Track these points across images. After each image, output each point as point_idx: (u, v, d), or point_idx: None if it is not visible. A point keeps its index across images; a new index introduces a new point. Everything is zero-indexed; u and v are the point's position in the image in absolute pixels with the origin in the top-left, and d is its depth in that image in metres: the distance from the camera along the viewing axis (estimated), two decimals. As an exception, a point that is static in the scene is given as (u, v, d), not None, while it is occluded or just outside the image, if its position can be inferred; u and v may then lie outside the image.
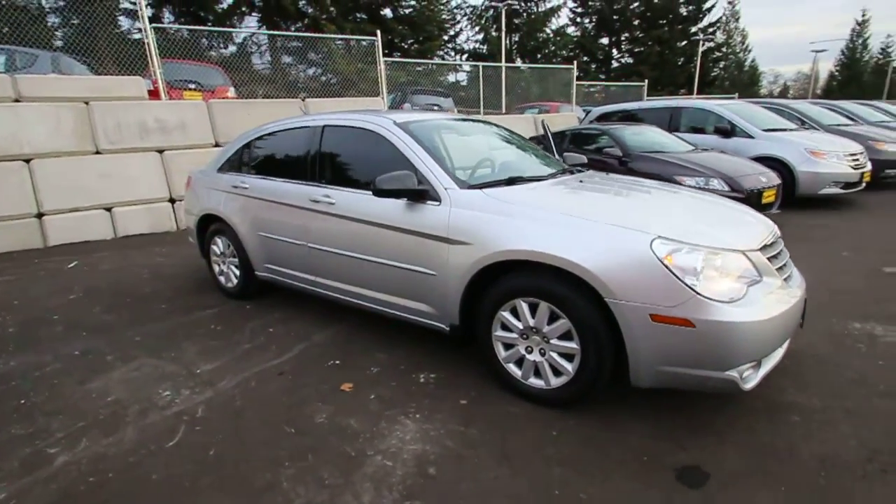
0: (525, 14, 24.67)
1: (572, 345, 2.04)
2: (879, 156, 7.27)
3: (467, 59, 22.69)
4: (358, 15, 20.29)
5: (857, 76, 37.55)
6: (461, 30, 24.80)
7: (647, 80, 15.63)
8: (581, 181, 2.78)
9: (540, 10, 25.06)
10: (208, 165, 3.93)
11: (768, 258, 2.06)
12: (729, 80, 33.36)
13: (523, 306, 2.14)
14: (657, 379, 1.91)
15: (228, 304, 3.67)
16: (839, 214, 6.19)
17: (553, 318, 2.07)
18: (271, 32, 8.46)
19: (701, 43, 28.35)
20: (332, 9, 18.38)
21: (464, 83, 13.73)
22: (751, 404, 2.16)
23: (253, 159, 3.48)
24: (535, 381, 2.21)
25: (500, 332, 2.27)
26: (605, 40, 30.36)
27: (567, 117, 11.34)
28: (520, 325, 2.18)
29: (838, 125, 8.41)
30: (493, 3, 21.10)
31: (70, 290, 4.11)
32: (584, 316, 1.96)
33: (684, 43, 29.86)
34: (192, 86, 7.57)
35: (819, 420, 2.06)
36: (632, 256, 1.87)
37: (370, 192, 2.64)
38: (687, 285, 1.79)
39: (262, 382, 2.52)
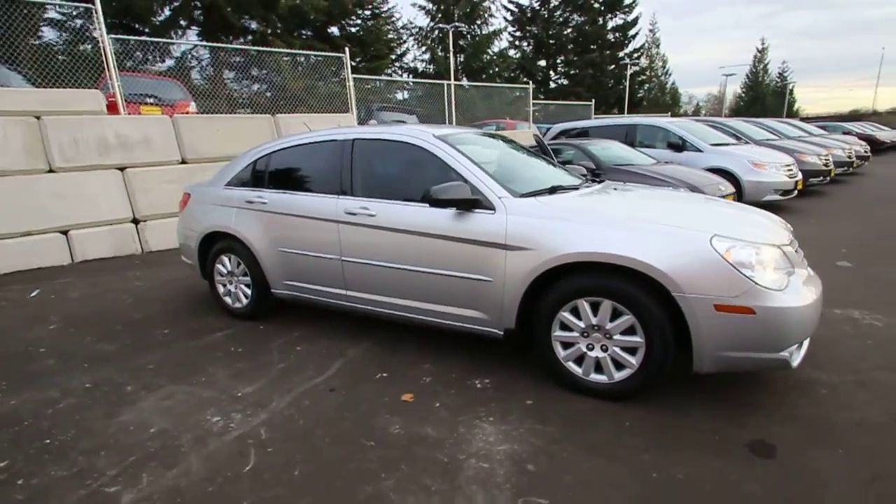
0: (469, 36, 25.59)
1: (636, 338, 2.19)
2: (805, 167, 8.28)
3: (415, 78, 23.07)
4: (303, 32, 20.07)
5: (760, 97, 42.38)
6: (408, 49, 25.23)
7: (593, 101, 16.72)
8: (615, 188, 2.98)
9: (483, 32, 26.11)
10: (211, 181, 3.76)
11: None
12: (653, 100, 36.37)
13: (585, 306, 2.26)
14: (718, 364, 2.10)
15: (239, 326, 3.49)
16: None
17: (615, 315, 2.22)
18: (236, 47, 8.15)
19: (628, 67, 30.82)
20: (279, 25, 18.05)
21: (411, 100, 13.92)
22: (784, 383, 2.42)
23: (270, 174, 3.38)
24: (596, 377, 2.33)
25: (559, 333, 2.37)
26: (543, 62, 32.09)
27: (525, 134, 11.85)
28: (581, 324, 2.30)
29: (767, 140, 9.49)
30: (441, 25, 21.72)
31: (45, 320, 3.72)
32: (649, 311, 2.12)
33: (613, 66, 32.27)
34: (151, 100, 7.14)
35: (842, 392, 2.34)
36: (695, 254, 2.06)
37: (414, 203, 2.71)
38: (746, 277, 2.00)
39: (315, 400, 2.44)
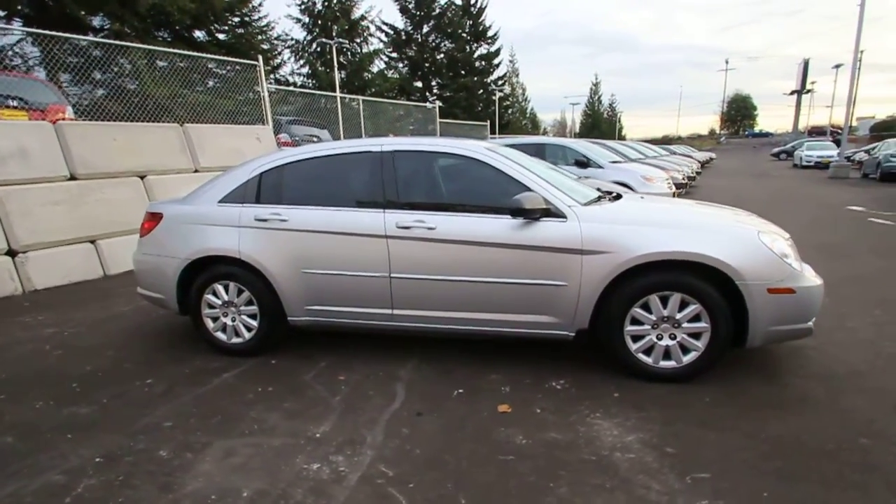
0: (349, 53, 25.38)
1: (702, 324, 2.51)
2: (674, 180, 10.04)
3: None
4: (160, 34, 17.81)
5: (597, 123, 49.83)
6: (283, 61, 23.97)
7: (488, 122, 17.88)
8: (642, 198, 3.33)
9: (363, 51, 26.13)
10: (191, 199, 3.21)
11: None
12: (516, 124, 40.26)
13: (656, 300, 2.53)
14: (766, 338, 2.52)
15: (245, 363, 3.03)
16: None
17: (682, 306, 2.52)
18: (141, 46, 6.69)
19: (496, 92, 33.69)
20: (136, 24, 15.76)
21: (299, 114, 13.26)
22: (776, 350, 2.98)
23: (285, 188, 3.02)
24: (665, 364, 2.60)
25: (630, 328, 2.59)
26: (419, 84, 33.27)
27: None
28: (652, 317, 2.55)
29: (640, 158, 11.27)
30: (324, 40, 21.14)
31: (-53, 390, 2.76)
32: (713, 299, 2.46)
33: (481, 91, 34.95)
34: (14, 102, 5.71)
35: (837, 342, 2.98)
36: (750, 247, 2.46)
37: (474, 214, 2.71)
38: (787, 263, 2.46)
39: (412, 427, 2.27)
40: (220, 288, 3.06)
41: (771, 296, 2.43)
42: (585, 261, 2.55)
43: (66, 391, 2.73)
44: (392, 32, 31.43)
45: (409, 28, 32.70)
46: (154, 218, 3.21)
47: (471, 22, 34.32)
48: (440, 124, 14.31)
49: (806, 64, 41.35)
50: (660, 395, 2.48)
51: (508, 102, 38.49)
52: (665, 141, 43.83)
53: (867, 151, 17.76)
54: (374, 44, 27.29)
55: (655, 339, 2.59)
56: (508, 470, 1.94)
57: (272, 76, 23.31)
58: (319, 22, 24.43)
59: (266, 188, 3.04)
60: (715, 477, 1.86)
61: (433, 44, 33.45)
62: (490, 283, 2.68)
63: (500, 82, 36.62)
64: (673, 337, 2.57)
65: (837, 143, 29.88)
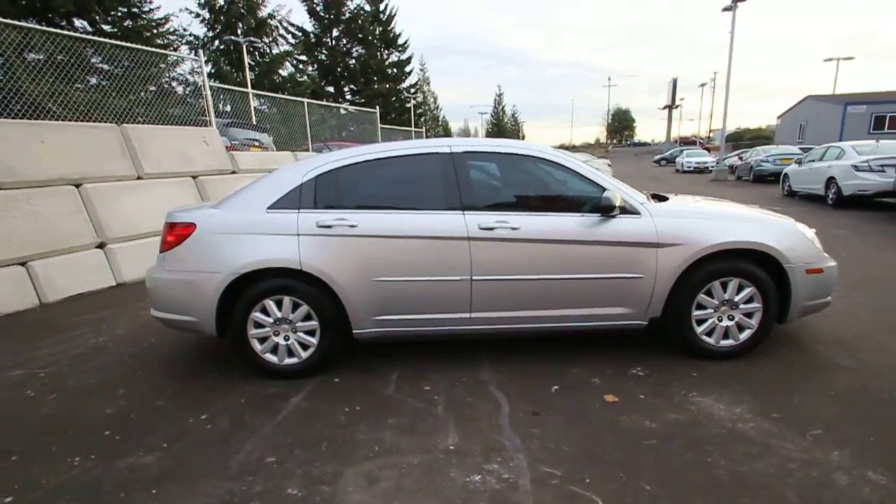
0: (258, 53, 23.83)
1: (755, 305, 2.84)
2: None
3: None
4: (33, 21, 15.23)
5: (502, 131, 52.53)
6: (181, 59, 21.71)
7: (424, 129, 17.83)
8: (680, 196, 3.59)
9: (274, 52, 24.68)
10: (231, 205, 2.84)
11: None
12: (430, 131, 40.95)
13: (718, 285, 2.81)
14: (801, 312, 2.92)
15: (306, 384, 2.76)
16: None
17: (739, 289, 2.83)
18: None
19: (409, 99, 33.92)
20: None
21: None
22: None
23: (346, 192, 2.81)
24: (725, 343, 2.89)
25: (696, 312, 2.85)
26: (331, 88, 32.30)
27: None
28: (715, 301, 2.83)
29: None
30: (233, 38, 19.53)
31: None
32: (765, 281, 2.80)
33: (394, 99, 34.96)
34: None
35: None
36: (791, 235, 2.85)
37: (552, 213, 2.80)
38: (817, 248, 2.89)
39: (541, 427, 2.26)
40: (271, 304, 2.76)
41: (808, 276, 2.84)
42: (661, 253, 2.75)
43: (103, 440, 2.27)
44: (300, 34, 30.14)
45: (318, 31, 31.67)
46: (180, 229, 2.79)
47: (381, 29, 34.24)
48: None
49: (674, 83, 47.77)
50: (728, 371, 2.76)
51: (422, 110, 38.99)
52: (565, 148, 47.52)
53: (739, 157, 20.95)
54: (284, 45, 25.91)
55: (717, 321, 2.87)
56: (663, 452, 2.03)
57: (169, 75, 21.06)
58: (222, 18, 22.62)
59: (323, 192, 2.81)
60: (827, 431, 2.14)
61: (344, 48, 32.76)
62: (571, 280, 2.77)
63: (412, 90, 36.93)
64: (731, 318, 2.87)
65: (707, 150, 34.93)
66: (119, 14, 18.12)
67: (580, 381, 2.71)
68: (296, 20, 33.26)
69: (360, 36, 32.78)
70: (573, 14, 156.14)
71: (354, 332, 2.83)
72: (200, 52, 7.46)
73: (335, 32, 32.45)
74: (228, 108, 9.70)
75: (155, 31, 19.76)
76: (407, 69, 35.97)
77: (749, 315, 2.87)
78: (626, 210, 2.79)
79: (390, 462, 2.03)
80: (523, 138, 55.87)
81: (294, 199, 2.79)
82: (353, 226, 2.72)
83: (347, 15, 31.96)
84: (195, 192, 6.48)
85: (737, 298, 2.83)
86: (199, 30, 22.81)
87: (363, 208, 2.80)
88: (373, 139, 14.12)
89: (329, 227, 2.72)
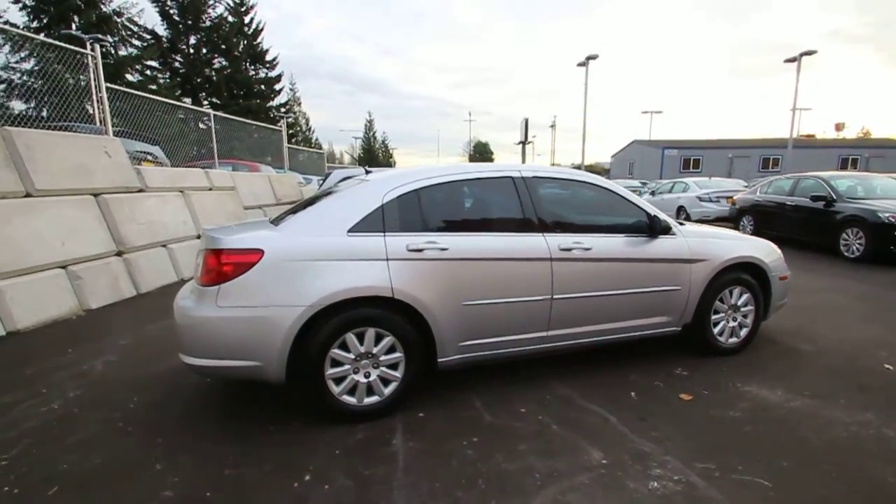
0: (104, 53, 20.23)
1: (750, 307, 3.49)
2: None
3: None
4: None
5: (374, 157, 52.83)
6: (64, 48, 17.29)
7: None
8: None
9: (123, 54, 21.19)
10: (301, 228, 2.48)
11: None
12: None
13: (726, 293, 3.39)
14: (774, 311, 3.67)
15: (389, 424, 2.53)
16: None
17: (741, 294, 3.45)
18: None
19: (281, 119, 32.15)
20: None
21: None
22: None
23: (428, 213, 2.67)
24: (731, 340, 3.47)
25: (714, 317, 3.38)
26: (188, 100, 28.89)
27: (284, 179, 11.15)
28: (725, 306, 3.40)
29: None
30: (70, 32, 16.20)
31: None
32: (756, 287, 3.47)
33: (263, 117, 32.80)
34: None
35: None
36: (772, 252, 3.57)
37: (613, 235, 3.08)
38: (783, 261, 3.68)
39: (660, 431, 2.43)
40: (352, 338, 2.47)
41: (780, 282, 3.60)
42: (693, 268, 3.22)
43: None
44: (150, 37, 26.52)
45: (173, 35, 28.28)
46: (241, 256, 2.34)
47: (245, 42, 32.07)
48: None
49: (526, 122, 53.77)
50: (744, 364, 3.31)
51: (293, 131, 37.14)
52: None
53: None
54: (134, 49, 22.49)
55: (727, 323, 3.44)
56: (765, 433, 2.39)
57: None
58: (51, 8, 18.78)
59: (405, 214, 2.65)
60: (848, 400, 2.73)
61: (204, 58, 29.78)
62: (629, 294, 3.05)
63: (282, 109, 35.09)
64: (734, 319, 3.47)
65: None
66: None
67: (647, 386, 2.98)
68: (148, 22, 29.02)
69: (224, 47, 30.23)
70: (428, 50, 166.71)
71: (440, 360, 2.68)
72: (97, 46, 6.15)
73: (192, 40, 29.40)
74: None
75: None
76: (277, 87, 34.17)
77: (745, 316, 3.51)
78: (669, 231, 3.21)
79: (566, 486, 2.00)
80: (394, 165, 57.07)
81: (377, 222, 2.57)
82: (443, 249, 2.61)
83: (208, 23, 29.27)
84: (98, 213, 5.28)
85: (739, 303, 3.44)
86: (19, 18, 18.48)
87: (445, 231, 2.71)
88: (278, 158, 13.11)
89: (419, 251, 2.57)
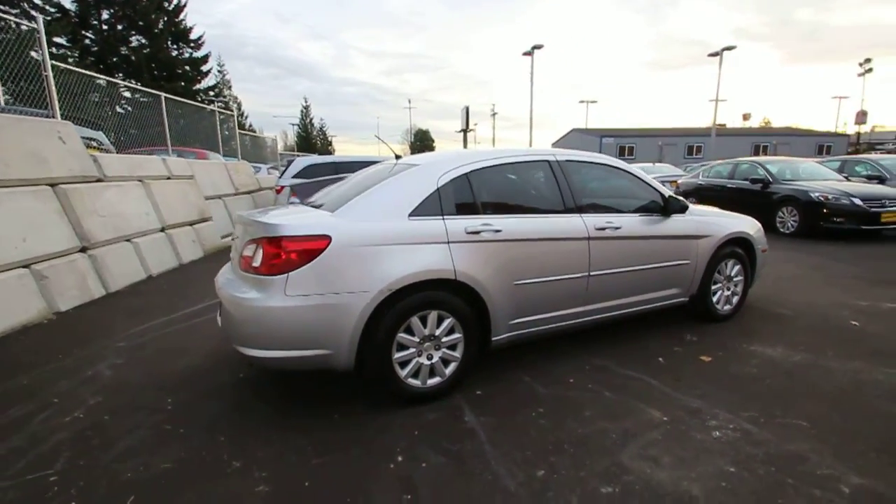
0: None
1: (741, 277, 3.89)
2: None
3: None
4: None
5: (311, 144, 50.93)
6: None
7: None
8: None
9: (23, 28, 18.63)
10: (361, 212, 2.44)
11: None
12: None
13: (723, 266, 3.76)
14: (756, 279, 4.12)
15: (448, 406, 2.59)
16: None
17: (734, 266, 3.83)
18: None
19: (212, 103, 30.00)
20: None
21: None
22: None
23: (479, 196, 2.71)
24: (726, 307, 3.86)
25: (713, 287, 3.74)
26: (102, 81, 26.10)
27: (241, 167, 10.52)
28: (721, 277, 3.77)
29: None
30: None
31: None
32: (745, 259, 3.88)
33: (190, 99, 30.45)
34: None
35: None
36: (756, 228, 3.99)
37: (634, 214, 3.31)
38: (763, 235, 4.12)
39: (699, 388, 2.69)
40: (417, 321, 2.49)
41: (762, 253, 4.04)
42: (699, 243, 3.53)
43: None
44: (57, 11, 23.58)
45: (80, 10, 25.32)
46: (307, 243, 2.27)
47: (166, 19, 29.44)
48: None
49: (467, 110, 54.16)
50: (741, 327, 3.70)
51: (223, 116, 34.71)
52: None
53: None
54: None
55: (724, 292, 3.82)
56: (786, 384, 2.72)
57: None
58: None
59: (460, 197, 2.68)
60: (841, 353, 3.17)
61: (120, 35, 26.99)
62: (652, 269, 3.31)
63: (210, 93, 32.76)
64: (728, 289, 3.86)
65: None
66: None
67: (669, 352, 3.25)
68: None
69: (142, 24, 27.57)
70: (359, 35, 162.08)
71: (493, 339, 2.77)
72: (39, 18, 5.43)
73: (105, 15, 26.53)
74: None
75: None
76: (203, 68, 31.76)
77: (737, 285, 3.91)
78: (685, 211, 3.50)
79: (642, 442, 2.18)
80: (333, 152, 55.33)
81: (434, 205, 2.59)
82: (498, 230, 2.69)
83: (121, -3, 26.49)
84: (58, 205, 4.75)
85: (732, 273, 3.84)
86: None
87: (495, 213, 2.78)
88: (231, 143, 12.27)
89: (477, 233, 2.62)
